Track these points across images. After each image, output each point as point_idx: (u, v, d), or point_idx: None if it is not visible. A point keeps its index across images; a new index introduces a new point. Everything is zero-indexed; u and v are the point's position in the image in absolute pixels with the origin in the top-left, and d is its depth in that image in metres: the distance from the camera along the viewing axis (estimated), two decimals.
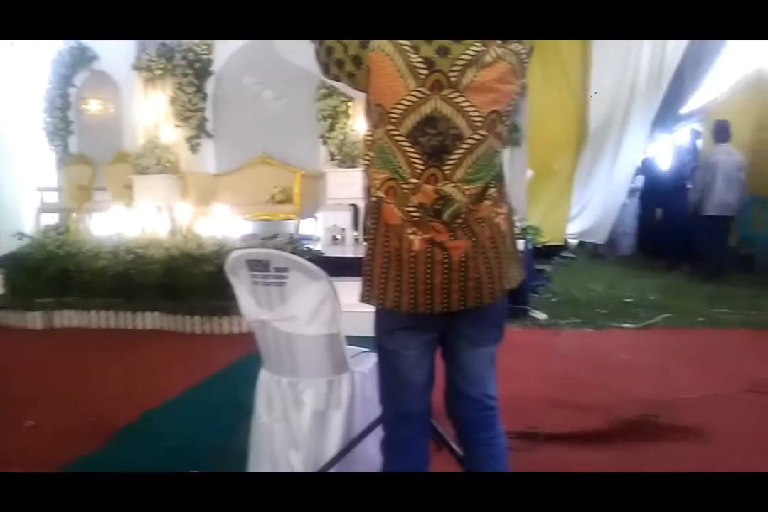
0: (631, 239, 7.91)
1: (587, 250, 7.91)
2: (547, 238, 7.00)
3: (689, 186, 6.77)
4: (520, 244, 5.57)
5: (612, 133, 7.45)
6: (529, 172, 6.74)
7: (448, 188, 1.38)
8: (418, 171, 1.38)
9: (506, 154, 6.18)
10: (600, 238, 7.67)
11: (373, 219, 1.47)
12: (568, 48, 6.72)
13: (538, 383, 3.24)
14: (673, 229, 6.70)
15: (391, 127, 1.37)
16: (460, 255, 1.40)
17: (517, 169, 6.77)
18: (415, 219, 1.40)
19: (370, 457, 1.83)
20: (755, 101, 6.73)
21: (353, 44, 1.37)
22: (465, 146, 1.36)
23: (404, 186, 1.40)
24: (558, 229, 7.25)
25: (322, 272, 1.84)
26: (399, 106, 1.35)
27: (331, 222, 5.36)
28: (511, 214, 1.52)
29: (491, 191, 1.43)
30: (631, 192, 7.84)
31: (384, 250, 1.43)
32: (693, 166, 6.84)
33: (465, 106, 1.34)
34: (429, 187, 1.38)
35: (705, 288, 5.45)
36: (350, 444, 1.88)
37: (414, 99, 1.34)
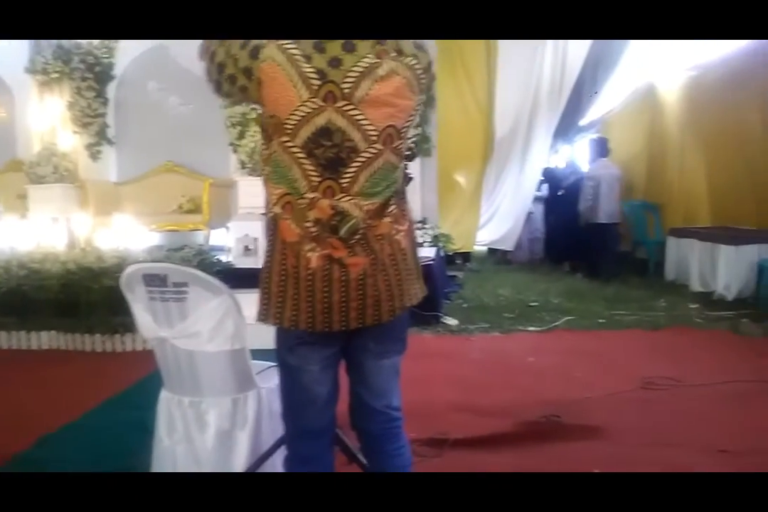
0: (538, 245, 8.26)
1: (497, 257, 8.18)
2: (458, 246, 7.21)
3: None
4: (432, 252, 5.73)
5: (517, 142, 7.79)
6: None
7: (345, 203, 1.38)
8: (314, 183, 1.37)
9: (417, 165, 6.35)
10: (509, 245, 7.97)
11: (270, 235, 1.45)
12: (473, 59, 6.96)
13: (448, 388, 3.31)
14: (572, 235, 7.08)
15: (286, 138, 1.36)
16: (358, 272, 1.40)
17: (428, 178, 6.92)
18: (313, 235, 1.39)
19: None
20: (647, 113, 7.22)
21: (243, 56, 1.35)
22: (361, 159, 1.37)
23: (300, 201, 1.38)
24: (468, 237, 7.48)
25: (224, 286, 1.80)
26: (293, 117, 1.34)
27: (243, 232, 5.22)
28: (413, 231, 1.54)
29: (391, 208, 1.44)
30: (538, 200, 8.20)
31: (281, 268, 1.41)
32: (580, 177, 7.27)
33: (359, 119, 1.34)
34: (325, 202, 1.37)
35: (604, 292, 5.77)
36: (257, 463, 1.84)
37: (308, 109, 1.33)
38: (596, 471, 2.35)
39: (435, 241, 6.72)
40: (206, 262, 4.55)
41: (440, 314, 4.89)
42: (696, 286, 5.52)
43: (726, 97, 5.76)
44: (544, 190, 8.28)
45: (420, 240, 6.62)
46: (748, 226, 5.66)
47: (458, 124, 7.00)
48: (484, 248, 8.50)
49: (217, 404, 1.88)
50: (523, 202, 7.79)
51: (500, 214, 7.97)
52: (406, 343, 1.57)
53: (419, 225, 6.79)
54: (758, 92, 5.50)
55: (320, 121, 1.33)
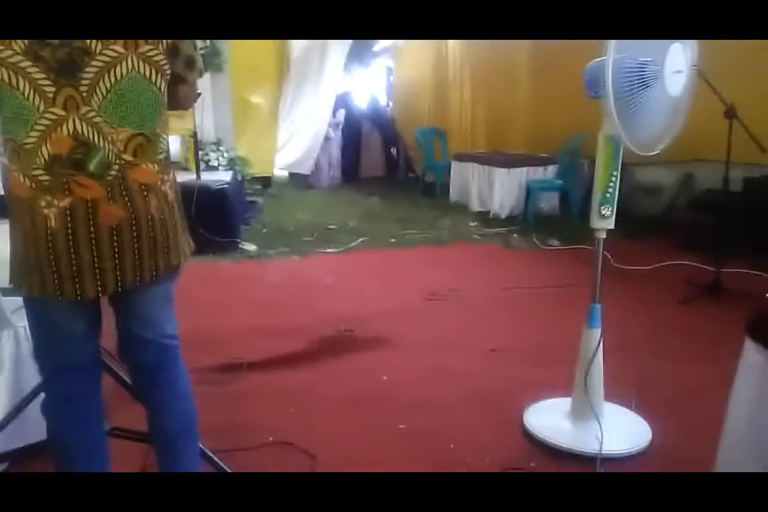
0: (337, 170, 8.34)
1: (297, 182, 8.11)
2: (257, 170, 6.99)
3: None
4: (228, 176, 5.47)
5: (312, 64, 7.57)
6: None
7: (87, 129, 1.19)
8: (50, 94, 1.16)
9: (207, 81, 5.90)
10: (306, 169, 7.92)
11: (5, 190, 1.23)
12: None
13: (244, 313, 3.28)
14: (372, 160, 7.25)
15: (2, 46, 1.12)
16: (110, 224, 1.23)
17: (221, 97, 6.49)
18: (47, 185, 1.19)
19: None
20: (434, 44, 7.51)
21: None
22: (98, 63, 1.18)
23: (28, 140, 1.17)
24: (267, 161, 7.27)
25: None
26: None
27: None
28: (176, 179, 1.39)
29: (160, 152, 1.29)
30: (336, 126, 8.18)
31: (22, 229, 1.22)
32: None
33: None
34: (63, 133, 1.17)
35: (396, 213, 6.06)
36: (19, 406, 1.65)
37: None
38: (384, 378, 2.55)
39: (231, 164, 6.43)
40: None
41: (238, 240, 4.76)
42: (475, 206, 6.05)
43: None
44: (341, 115, 8.29)
45: (215, 163, 6.28)
46: (518, 152, 6.28)
47: (251, 42, 6.56)
48: (286, 173, 8.36)
49: None
50: (318, 124, 7.71)
51: (297, 137, 7.82)
52: (178, 269, 1.45)
53: (214, 147, 6.43)
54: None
55: None
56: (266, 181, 7.43)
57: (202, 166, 5.80)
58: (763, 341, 1.34)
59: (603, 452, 1.89)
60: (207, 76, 5.66)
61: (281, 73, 7.29)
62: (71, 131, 1.18)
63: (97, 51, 1.17)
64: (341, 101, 8.29)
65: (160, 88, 1.28)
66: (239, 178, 6.20)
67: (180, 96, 1.37)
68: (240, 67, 6.30)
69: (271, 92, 7.21)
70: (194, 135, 5.26)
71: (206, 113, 6.23)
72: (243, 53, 6.25)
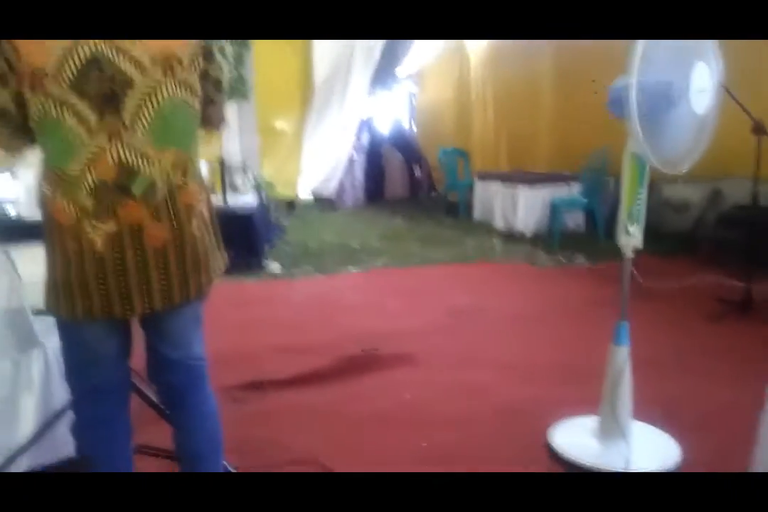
0: (360, 192, 8.43)
1: (323, 204, 8.21)
2: (282, 192, 7.11)
3: None
4: (253, 199, 5.57)
5: (336, 87, 7.72)
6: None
7: (132, 155, 1.24)
8: (93, 125, 1.21)
9: (234, 108, 6.05)
10: (330, 191, 8.02)
11: (43, 217, 1.28)
12: None
13: (269, 332, 3.31)
14: (395, 181, 7.31)
15: (49, 83, 1.19)
16: (156, 246, 1.27)
17: (247, 122, 6.63)
18: (94, 210, 1.23)
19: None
20: (456, 67, 7.73)
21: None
22: (139, 93, 1.24)
23: (73, 168, 1.22)
24: (291, 183, 7.40)
25: None
26: (52, 58, 1.17)
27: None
28: (210, 201, 1.44)
29: (197, 171, 1.35)
30: (360, 149, 8.31)
31: (64, 255, 1.26)
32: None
33: (129, 48, 1.21)
34: (107, 161, 1.22)
35: (419, 233, 6.08)
36: (45, 426, 1.68)
37: (67, 44, 1.18)
38: (408, 396, 2.54)
39: (257, 187, 6.55)
40: None
41: (263, 260, 4.82)
42: (499, 225, 6.04)
43: (522, 55, 6.30)
44: (365, 139, 8.41)
45: (242, 187, 6.40)
46: (541, 170, 6.28)
47: (275, 66, 6.74)
48: (311, 196, 8.48)
49: None
50: (342, 147, 7.82)
51: (321, 159, 7.94)
52: (209, 288, 1.49)
53: (240, 171, 6.56)
54: (549, 53, 6.05)
55: (84, 53, 1.18)
56: (291, 204, 7.55)
57: (229, 190, 5.92)
58: None
59: (631, 471, 1.84)
60: (233, 103, 5.81)
61: (305, 98, 7.44)
62: (116, 159, 1.22)
63: (138, 82, 1.23)
64: (365, 125, 8.42)
65: (196, 109, 1.35)
66: (265, 200, 6.30)
67: (210, 116, 1.44)
68: (265, 93, 6.45)
69: (296, 117, 7.36)
70: (221, 160, 5.39)
71: (232, 139, 6.38)
72: (268, 79, 6.41)
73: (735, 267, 3.70)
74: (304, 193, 8.20)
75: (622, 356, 1.98)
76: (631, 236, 1.94)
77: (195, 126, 1.36)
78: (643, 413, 2.13)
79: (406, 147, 8.92)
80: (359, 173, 8.39)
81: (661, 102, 1.72)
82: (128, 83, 1.22)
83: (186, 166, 1.31)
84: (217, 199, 5.20)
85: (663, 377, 2.61)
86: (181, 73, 1.28)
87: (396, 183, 8.91)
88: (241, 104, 6.34)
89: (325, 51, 7.29)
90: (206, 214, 1.38)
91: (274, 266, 4.76)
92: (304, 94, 7.42)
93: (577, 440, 2.06)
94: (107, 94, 1.21)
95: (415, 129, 9.48)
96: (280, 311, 3.73)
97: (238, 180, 6.50)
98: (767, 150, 3.25)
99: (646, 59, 1.66)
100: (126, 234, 1.25)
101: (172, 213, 1.28)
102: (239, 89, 6.26)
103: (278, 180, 6.94)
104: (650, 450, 2.01)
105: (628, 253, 1.97)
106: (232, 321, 3.48)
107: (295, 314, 3.65)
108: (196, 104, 1.34)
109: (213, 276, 1.39)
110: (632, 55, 1.65)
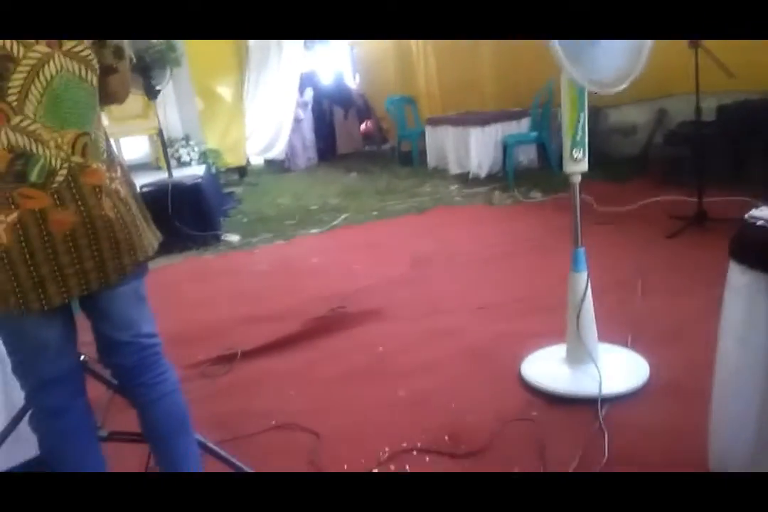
0: (311, 151, 8.24)
1: (275, 168, 8.02)
2: (230, 160, 6.90)
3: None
4: (201, 170, 5.39)
5: (271, 44, 7.41)
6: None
7: (23, 139, 1.14)
8: None
9: (167, 76, 5.76)
10: (278, 153, 7.82)
11: None
12: None
13: (234, 304, 3.25)
14: (346, 136, 7.14)
15: None
16: (64, 231, 1.20)
17: (183, 91, 6.35)
18: None
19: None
20: None
21: None
22: (23, 69, 1.12)
23: None
24: (239, 150, 7.18)
25: None
26: None
27: None
28: (128, 174, 1.35)
29: (102, 149, 1.25)
30: (304, 106, 8.06)
31: None
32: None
33: None
34: None
35: (376, 186, 6.00)
36: (11, 424, 1.63)
37: None
38: (380, 349, 2.53)
39: (203, 157, 6.33)
40: None
41: (220, 233, 4.71)
42: (454, 169, 5.98)
43: None
44: (308, 95, 8.15)
45: (187, 158, 6.19)
46: (490, 110, 6.19)
47: None
48: (261, 161, 8.27)
49: None
50: (286, 106, 7.58)
51: (264, 122, 7.70)
52: (146, 266, 1.42)
53: (183, 143, 6.33)
54: None
55: None
56: (242, 171, 7.35)
57: (174, 163, 5.71)
58: (746, 262, 1.32)
59: (603, 393, 1.88)
60: (167, 72, 5.53)
61: (241, 59, 7.14)
62: (5, 144, 1.13)
63: (21, 55, 1.12)
64: (307, 80, 8.15)
65: (92, 84, 1.24)
66: (213, 170, 6.11)
67: (112, 88, 1.33)
68: (198, 59, 6.16)
69: (233, 79, 7.09)
70: (160, 133, 5.16)
71: (170, 110, 6.11)
72: (199, 44, 6.10)
73: (686, 184, 3.73)
74: (254, 157, 7.99)
75: (581, 282, 1.98)
76: (577, 161, 1.91)
77: (93, 101, 1.26)
78: (611, 335, 2.17)
79: (352, 99, 8.70)
80: (308, 131, 8.18)
81: None
82: (9, 58, 1.11)
83: (88, 145, 1.23)
84: (163, 174, 5.01)
85: (627, 298, 2.65)
86: (69, 42, 1.17)
87: (347, 138, 8.73)
88: (174, 72, 6.06)
89: None
90: (123, 191, 1.30)
91: (232, 237, 4.66)
92: (238, 54, 7.12)
93: (549, 369, 2.09)
94: None
95: (358, 80, 9.22)
96: (243, 282, 3.66)
97: (182, 152, 6.28)
98: (705, 63, 3.22)
99: None
100: (30, 223, 1.17)
101: (77, 196, 1.21)
102: (170, 57, 5.96)
103: (224, 147, 6.73)
104: (620, 370, 2.05)
105: (576, 179, 1.95)
106: (196, 297, 3.42)
107: (259, 283, 3.59)
108: (92, 78, 1.23)
109: (141, 255, 1.32)
110: None
